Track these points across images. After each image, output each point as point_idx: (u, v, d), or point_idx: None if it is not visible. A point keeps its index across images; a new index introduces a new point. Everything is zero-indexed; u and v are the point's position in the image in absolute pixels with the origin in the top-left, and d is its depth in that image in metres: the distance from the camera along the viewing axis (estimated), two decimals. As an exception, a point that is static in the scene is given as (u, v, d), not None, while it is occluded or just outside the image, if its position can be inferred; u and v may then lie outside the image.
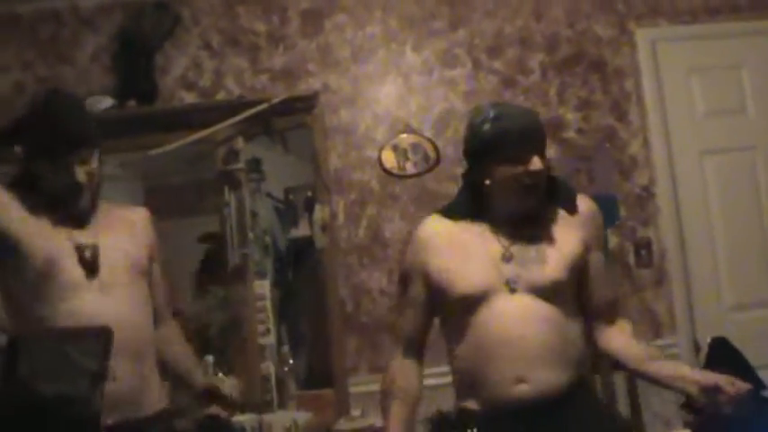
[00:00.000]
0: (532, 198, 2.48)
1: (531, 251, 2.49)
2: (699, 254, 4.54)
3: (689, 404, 3.10)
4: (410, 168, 4.52)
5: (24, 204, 2.65)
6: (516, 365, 2.41)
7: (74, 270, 2.62)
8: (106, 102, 4.44)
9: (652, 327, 4.48)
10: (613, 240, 4.51)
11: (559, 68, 4.63)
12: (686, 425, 3.79)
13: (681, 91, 4.65)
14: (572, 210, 2.57)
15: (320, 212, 4.41)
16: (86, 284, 2.63)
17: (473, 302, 2.46)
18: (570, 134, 4.57)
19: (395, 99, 4.60)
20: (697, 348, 4.41)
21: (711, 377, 2.42)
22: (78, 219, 2.71)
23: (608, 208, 4.47)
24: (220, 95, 4.55)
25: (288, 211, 4.64)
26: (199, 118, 4.36)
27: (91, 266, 2.63)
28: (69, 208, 2.68)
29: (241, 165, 4.38)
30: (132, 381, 2.63)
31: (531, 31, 4.66)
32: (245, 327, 4.29)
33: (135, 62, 4.52)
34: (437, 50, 4.63)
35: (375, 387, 4.29)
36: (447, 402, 2.73)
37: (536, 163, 2.43)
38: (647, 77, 4.63)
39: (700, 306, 4.51)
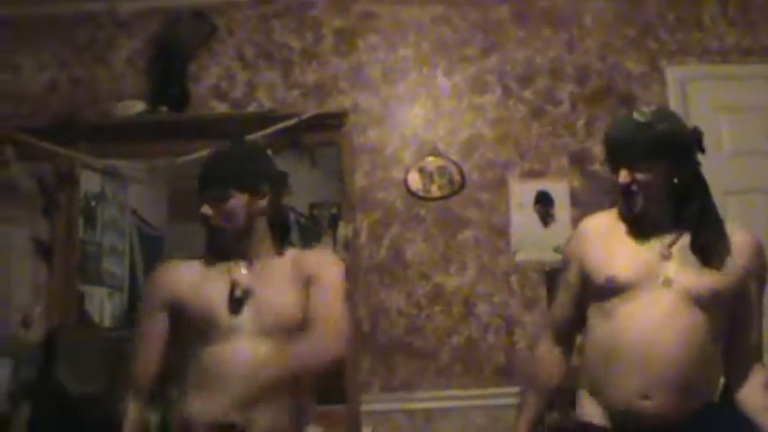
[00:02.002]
0: (631, 207, 2.54)
1: (691, 257, 2.51)
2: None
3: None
4: (435, 191, 4.54)
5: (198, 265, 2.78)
6: (643, 380, 2.42)
7: (225, 312, 2.66)
8: (138, 106, 4.49)
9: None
10: (632, 275, 4.51)
11: (589, 101, 4.65)
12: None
13: (708, 130, 4.57)
14: (697, 247, 2.54)
15: (343, 230, 4.43)
16: (236, 328, 2.64)
17: (621, 287, 2.49)
18: (596, 167, 4.57)
19: (423, 122, 4.63)
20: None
21: None
22: (240, 255, 2.78)
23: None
24: (251, 107, 4.60)
25: (311, 227, 4.66)
26: (229, 128, 4.38)
27: (237, 305, 2.66)
28: (224, 246, 2.77)
29: (268, 177, 4.40)
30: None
31: (563, 61, 4.69)
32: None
33: (169, 69, 4.57)
34: (468, 76, 4.66)
35: (387, 406, 4.34)
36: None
37: (622, 175, 2.51)
38: (676, 115, 4.64)
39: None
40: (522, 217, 4.48)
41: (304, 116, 4.41)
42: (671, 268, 2.49)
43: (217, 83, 4.65)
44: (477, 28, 4.70)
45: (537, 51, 4.69)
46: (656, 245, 2.54)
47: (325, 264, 2.85)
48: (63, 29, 4.72)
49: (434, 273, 4.49)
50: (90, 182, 4.58)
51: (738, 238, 2.57)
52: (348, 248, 4.40)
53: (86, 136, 4.44)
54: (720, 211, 4.42)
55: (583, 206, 4.49)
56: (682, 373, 2.41)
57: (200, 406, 2.58)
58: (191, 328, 2.69)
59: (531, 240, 4.46)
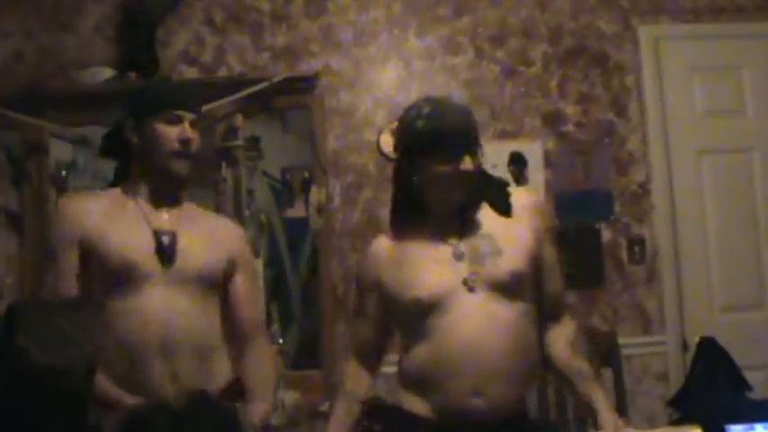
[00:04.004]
0: (459, 194, 2.43)
1: (483, 245, 2.43)
2: (691, 253, 4.55)
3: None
4: (408, 153, 4.50)
5: (111, 200, 2.65)
6: (474, 377, 2.35)
7: (149, 260, 2.54)
8: (107, 73, 4.43)
9: (641, 323, 4.50)
10: (607, 235, 4.53)
11: (561, 61, 4.63)
12: (671, 421, 3.83)
13: (681, 89, 4.66)
14: (503, 211, 2.49)
15: (316, 194, 4.41)
16: (158, 276, 2.54)
17: (428, 306, 2.40)
18: (569, 128, 4.57)
19: (395, 84, 4.59)
20: (685, 347, 4.43)
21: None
22: (168, 197, 2.66)
23: (603, 203, 4.50)
24: (221, 72, 4.54)
25: (284, 191, 4.63)
26: (199, 93, 4.35)
27: (168, 255, 2.55)
28: (169, 172, 2.62)
29: (239, 142, 4.38)
30: (196, 379, 2.56)
31: (535, 21, 4.65)
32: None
33: (137, 34, 4.50)
34: (440, 37, 4.62)
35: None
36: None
37: (467, 163, 2.38)
38: (648, 74, 4.64)
39: (690, 305, 4.52)
40: (496, 178, 4.47)
41: (275, 80, 4.38)
42: (467, 269, 2.41)
43: (186, 47, 4.59)
44: (449, -12, 4.66)
45: (509, 11, 4.65)
46: (446, 247, 2.45)
47: (244, 247, 2.85)
48: (27, -5, 4.64)
49: (409, 236, 4.47)
50: (60, 151, 4.52)
51: (519, 201, 2.52)
52: (321, 212, 4.39)
53: (54, 104, 4.38)
54: (692, 171, 4.55)
55: (556, 167, 4.50)
56: (510, 366, 2.37)
57: (129, 372, 2.51)
58: (100, 273, 2.56)
59: (505, 202, 4.46)
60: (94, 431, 2.36)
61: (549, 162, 4.54)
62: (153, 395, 2.51)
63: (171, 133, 2.58)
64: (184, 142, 2.59)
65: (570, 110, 4.58)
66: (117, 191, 2.69)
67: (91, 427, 2.29)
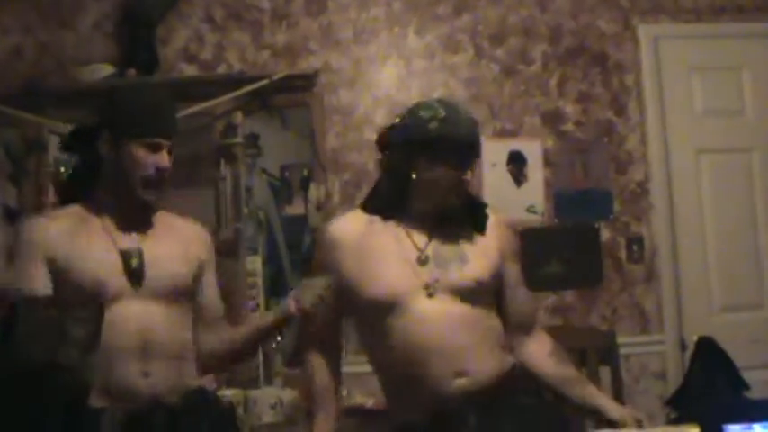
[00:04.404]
0: (452, 200, 2.48)
1: (449, 251, 2.47)
2: (690, 252, 4.55)
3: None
4: (407, 152, 4.50)
5: (73, 220, 2.54)
6: (453, 359, 2.38)
7: (119, 281, 2.48)
8: (106, 70, 4.42)
9: (640, 323, 4.50)
10: (606, 235, 4.53)
11: (561, 60, 4.63)
12: (669, 421, 3.83)
13: (680, 89, 4.66)
14: (480, 228, 2.55)
15: (315, 191, 4.41)
16: (130, 292, 2.48)
17: (386, 307, 2.42)
18: (569, 126, 4.57)
19: (395, 82, 4.59)
20: (683, 347, 4.43)
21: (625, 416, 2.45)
22: (135, 218, 2.58)
23: (602, 202, 4.50)
24: (221, 69, 4.54)
25: (283, 189, 4.63)
26: (198, 91, 4.35)
27: (137, 275, 2.49)
28: (139, 199, 2.54)
29: (239, 139, 4.38)
30: (168, 379, 2.51)
31: (535, 20, 4.65)
32: (234, 302, 4.27)
33: (137, 32, 4.49)
34: (440, 35, 4.62)
35: (360, 368, 4.32)
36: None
37: (468, 173, 2.46)
38: (648, 74, 4.64)
39: (688, 305, 4.52)
40: (495, 177, 4.47)
41: (274, 77, 4.39)
42: (430, 275, 2.44)
43: (186, 45, 4.58)
44: (449, -14, 4.66)
45: (509, 10, 4.65)
46: (411, 249, 2.48)
47: (211, 248, 2.78)
48: (26, -9, 4.63)
49: (407, 234, 4.47)
50: (59, 148, 4.53)
51: (491, 221, 2.58)
52: (320, 210, 4.39)
53: (54, 101, 4.38)
54: (691, 170, 4.55)
55: (555, 166, 4.50)
56: (481, 343, 2.43)
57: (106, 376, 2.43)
58: (69, 295, 2.44)
59: (504, 200, 4.44)
60: (93, 429, 2.35)
61: (548, 161, 4.54)
62: (123, 393, 2.46)
63: (147, 159, 2.52)
64: (160, 169, 2.53)
65: (570, 109, 4.58)
66: (78, 208, 2.59)
67: (90, 424, 2.30)
